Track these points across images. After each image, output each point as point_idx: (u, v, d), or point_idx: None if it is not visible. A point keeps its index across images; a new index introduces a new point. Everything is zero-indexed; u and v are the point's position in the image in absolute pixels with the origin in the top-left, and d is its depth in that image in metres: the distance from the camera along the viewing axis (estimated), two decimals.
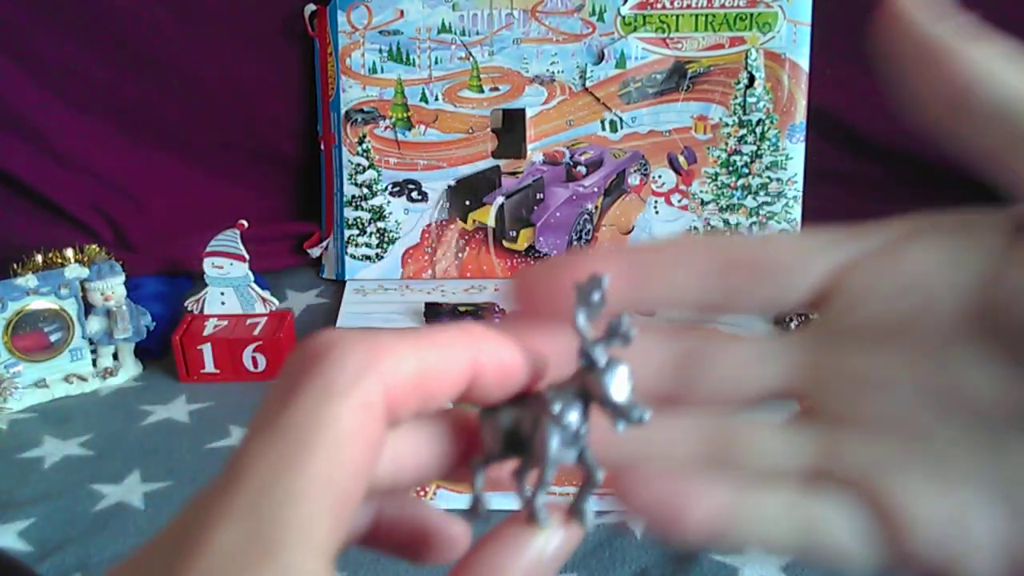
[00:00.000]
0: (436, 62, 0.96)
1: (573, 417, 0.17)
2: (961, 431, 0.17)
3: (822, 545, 0.18)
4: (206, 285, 0.88)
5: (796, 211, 0.92)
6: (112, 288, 0.83)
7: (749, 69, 0.93)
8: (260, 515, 0.13)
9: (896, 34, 0.18)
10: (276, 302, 0.90)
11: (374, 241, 0.99)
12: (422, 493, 0.62)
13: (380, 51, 0.96)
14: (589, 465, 0.18)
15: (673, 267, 0.19)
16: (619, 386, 0.17)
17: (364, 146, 0.98)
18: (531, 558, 0.17)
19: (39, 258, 0.85)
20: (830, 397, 0.19)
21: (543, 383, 0.18)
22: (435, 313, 0.88)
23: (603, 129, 0.96)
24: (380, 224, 0.99)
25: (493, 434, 0.18)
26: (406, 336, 0.16)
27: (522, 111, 0.96)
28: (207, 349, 0.83)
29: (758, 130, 0.94)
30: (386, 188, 0.98)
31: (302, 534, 0.13)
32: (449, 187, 0.98)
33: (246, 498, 0.14)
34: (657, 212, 0.96)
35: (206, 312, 0.88)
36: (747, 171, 0.94)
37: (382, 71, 0.97)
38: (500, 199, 0.97)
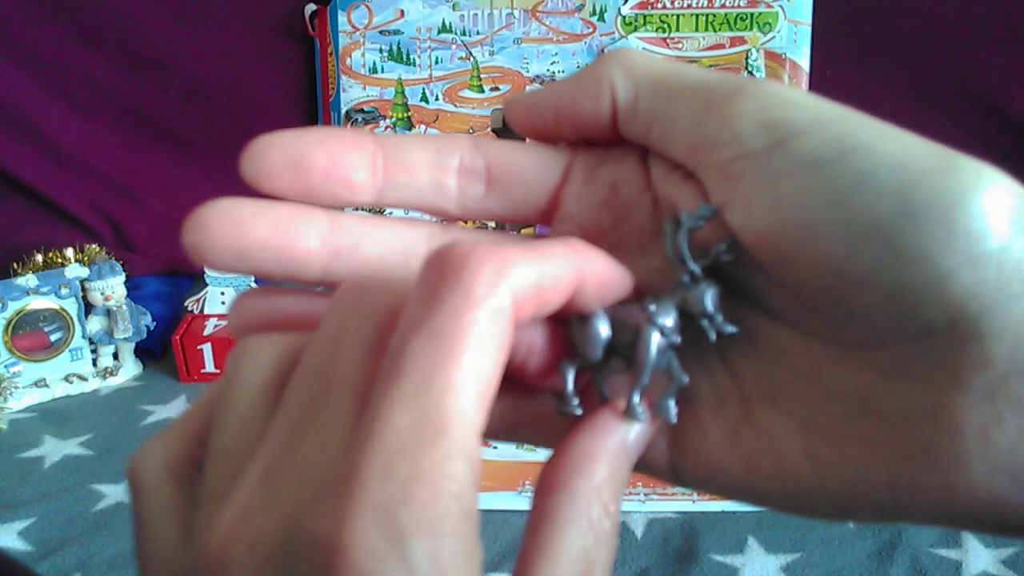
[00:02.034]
0: (436, 62, 0.96)
1: (671, 324, 0.20)
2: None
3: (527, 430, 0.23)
4: (206, 285, 0.88)
5: None
6: (112, 288, 0.83)
7: (749, 69, 0.93)
8: (426, 404, 0.15)
9: (533, 110, 0.23)
10: None
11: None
12: None
13: (380, 51, 0.96)
14: (675, 370, 0.20)
15: (426, 163, 0.22)
16: (714, 301, 0.20)
17: None
18: (616, 444, 0.20)
19: (39, 258, 0.85)
20: None
21: (632, 296, 0.21)
22: None
23: None
24: None
25: (588, 339, 0.20)
26: (525, 248, 0.18)
27: None
28: (207, 349, 0.83)
29: None
30: None
31: (462, 418, 0.15)
32: None
33: (412, 389, 0.15)
34: None
35: (206, 312, 0.88)
36: None
37: (382, 71, 0.97)
38: None
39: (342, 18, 0.96)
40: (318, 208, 0.21)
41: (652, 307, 0.20)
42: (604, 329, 0.20)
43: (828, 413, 0.19)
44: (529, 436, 0.23)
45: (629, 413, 0.20)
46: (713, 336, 0.20)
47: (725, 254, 0.20)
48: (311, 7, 0.98)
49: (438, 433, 0.15)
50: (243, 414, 0.19)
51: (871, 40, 0.95)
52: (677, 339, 0.20)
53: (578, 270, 0.19)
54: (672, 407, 0.21)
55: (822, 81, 0.93)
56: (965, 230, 0.17)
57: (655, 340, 0.20)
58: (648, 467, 0.22)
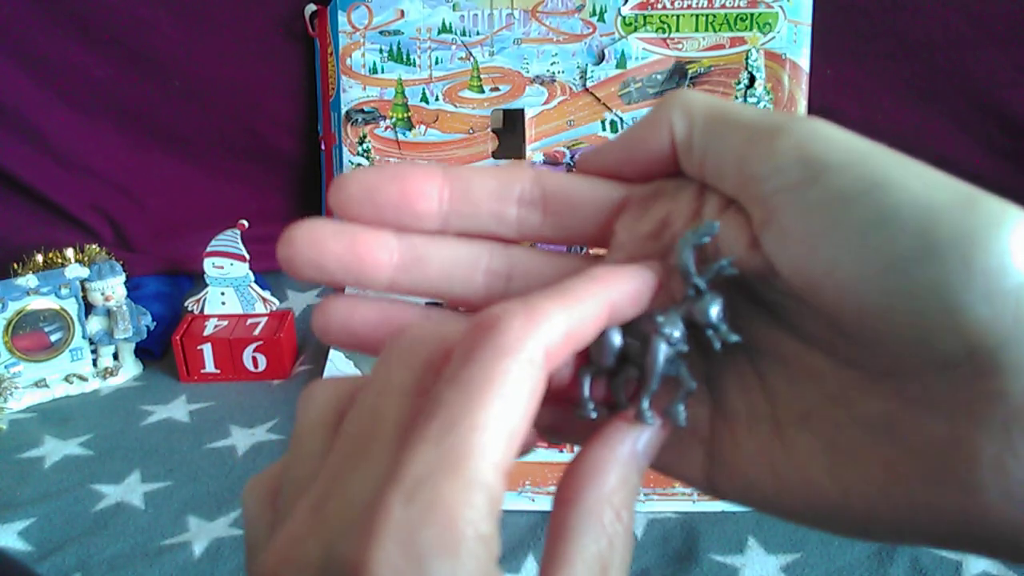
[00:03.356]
0: (436, 62, 0.96)
1: (678, 334, 0.21)
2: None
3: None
4: (206, 285, 0.88)
5: None
6: (112, 288, 0.83)
7: (749, 69, 0.93)
8: (451, 442, 0.17)
9: (605, 158, 0.25)
10: (276, 302, 0.90)
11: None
12: None
13: (380, 51, 0.96)
14: (684, 377, 0.22)
15: (489, 196, 0.24)
16: (719, 312, 0.21)
17: (364, 146, 0.98)
18: (625, 453, 0.21)
19: (39, 258, 0.85)
20: None
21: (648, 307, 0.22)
22: None
23: (604, 129, 0.96)
24: None
25: (602, 349, 0.22)
26: (555, 297, 0.19)
27: (522, 111, 0.96)
28: (207, 349, 0.83)
29: None
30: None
31: (483, 454, 0.17)
32: None
33: (438, 430, 0.17)
34: None
35: (206, 312, 0.88)
36: None
37: (382, 71, 0.97)
38: None
39: (342, 18, 0.96)
40: (389, 229, 0.24)
41: (660, 318, 0.22)
42: (616, 339, 0.22)
43: (854, 437, 0.20)
44: (570, 437, 0.25)
45: (639, 417, 0.21)
46: (718, 345, 0.21)
47: (727, 269, 0.21)
48: (311, 7, 0.98)
49: (460, 466, 0.16)
50: (307, 449, 0.21)
51: (871, 40, 0.94)
52: (685, 348, 0.22)
53: (607, 304, 0.20)
54: (682, 412, 0.22)
55: (822, 81, 0.93)
56: (984, 266, 0.17)
57: (663, 349, 0.21)
58: (686, 479, 0.24)
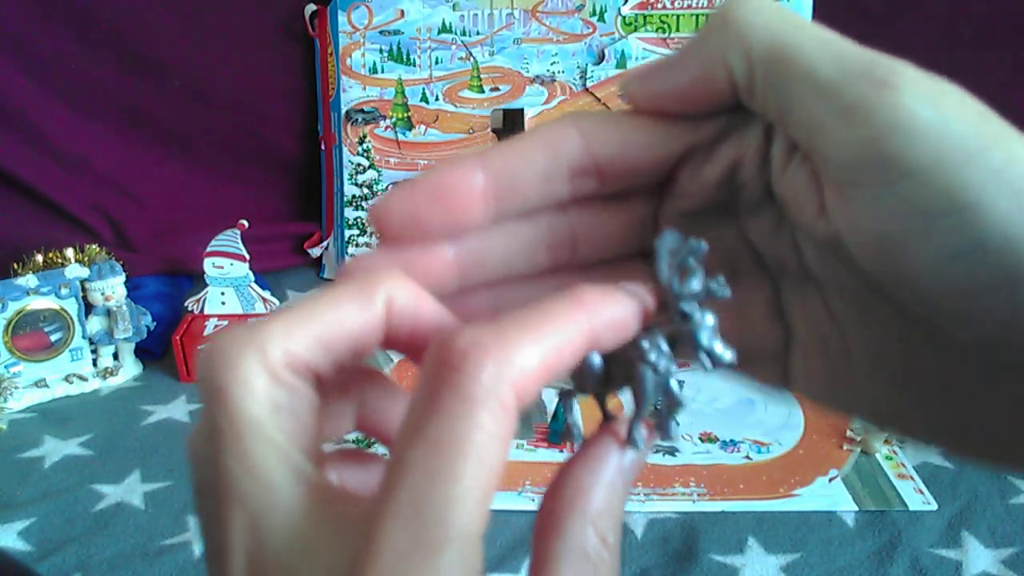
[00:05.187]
0: (436, 62, 0.96)
1: (664, 363, 0.20)
2: (758, 269, 0.23)
3: None
4: (206, 285, 0.88)
5: None
6: (112, 288, 0.83)
7: None
8: (425, 518, 0.16)
9: (650, 89, 0.22)
10: (277, 302, 0.90)
11: (374, 241, 0.99)
12: None
13: (380, 51, 0.96)
14: (674, 394, 0.21)
15: (537, 179, 0.22)
16: (709, 335, 0.20)
17: (364, 146, 0.98)
18: (611, 474, 0.20)
19: (39, 258, 0.85)
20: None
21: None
22: None
23: None
24: None
25: (583, 375, 0.21)
26: (528, 325, 0.18)
27: (522, 111, 0.96)
28: None
29: None
30: (386, 188, 0.98)
31: (462, 531, 0.16)
32: None
33: (411, 503, 0.16)
34: None
35: (206, 312, 0.88)
36: None
37: (382, 71, 0.97)
38: None
39: (342, 18, 0.96)
40: (441, 242, 0.22)
41: (645, 344, 0.20)
42: (597, 363, 0.21)
43: (921, 376, 0.20)
44: None
45: (630, 442, 0.21)
46: (710, 367, 0.20)
47: (720, 291, 0.20)
48: (311, 7, 0.98)
49: (436, 551, 0.15)
50: (201, 477, 0.19)
51: (871, 40, 0.94)
52: (673, 370, 0.20)
53: (587, 331, 0.19)
54: (675, 427, 0.21)
55: None
56: None
57: (650, 378, 0.20)
58: (764, 381, 0.24)
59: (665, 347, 0.20)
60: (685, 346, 0.20)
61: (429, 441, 0.16)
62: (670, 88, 0.21)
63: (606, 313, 0.19)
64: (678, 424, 0.21)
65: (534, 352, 0.17)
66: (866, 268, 0.19)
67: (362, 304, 0.20)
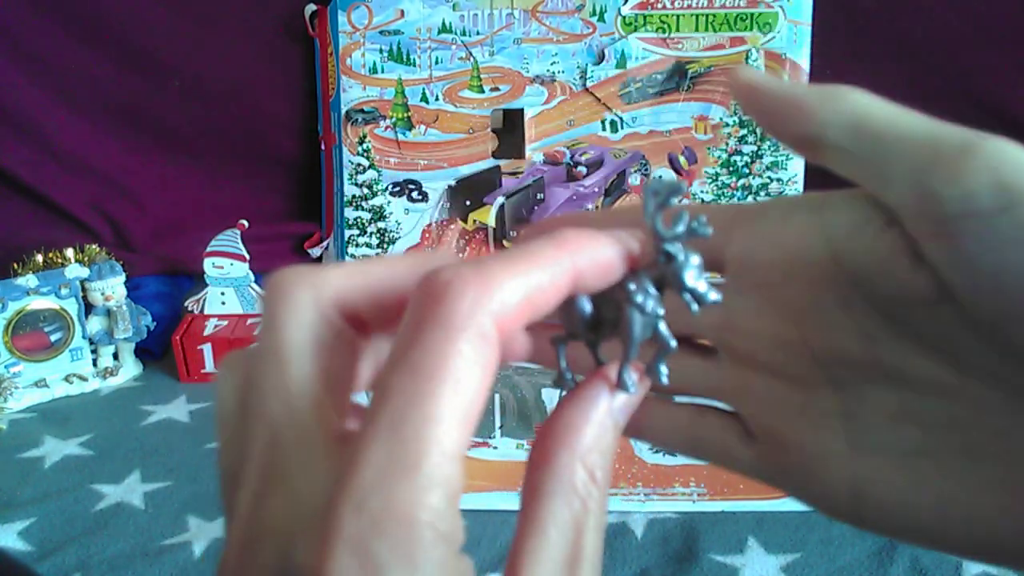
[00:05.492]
0: (436, 62, 0.96)
1: (651, 304, 0.21)
2: (821, 374, 0.22)
3: (704, 452, 0.25)
4: (206, 285, 0.88)
5: None
6: (112, 288, 0.83)
7: None
8: (403, 436, 0.16)
9: (754, 97, 0.23)
10: None
11: (374, 241, 0.99)
12: None
13: (380, 51, 0.96)
14: (663, 336, 0.21)
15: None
16: (694, 275, 0.20)
17: (364, 146, 0.98)
18: (600, 412, 0.20)
19: (39, 258, 0.85)
20: (728, 343, 0.24)
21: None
22: None
23: (603, 129, 0.96)
24: (380, 224, 0.99)
25: (572, 318, 0.21)
26: (511, 261, 0.18)
27: (522, 111, 0.96)
28: (207, 349, 0.83)
29: (759, 130, 0.94)
30: (386, 188, 0.98)
31: (439, 448, 0.16)
32: (449, 187, 0.98)
33: (390, 424, 0.16)
34: None
35: (206, 312, 0.88)
36: (748, 171, 0.94)
37: (382, 71, 0.97)
38: (500, 199, 0.97)
39: (342, 18, 0.96)
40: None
41: (632, 286, 0.21)
42: (587, 306, 0.21)
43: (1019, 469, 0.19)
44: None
45: (620, 385, 0.21)
46: (695, 308, 0.20)
47: (702, 229, 0.20)
48: (311, 7, 0.98)
49: (412, 466, 0.16)
50: (230, 434, 0.19)
51: (871, 40, 0.95)
52: (661, 312, 0.21)
53: (570, 269, 0.19)
54: (663, 371, 0.22)
55: (822, 81, 0.93)
56: None
57: (638, 320, 0.20)
58: (828, 512, 0.23)
59: (652, 289, 0.21)
60: (672, 288, 0.21)
61: (409, 367, 0.17)
62: (768, 101, 0.22)
63: (589, 253, 0.20)
64: (667, 367, 0.22)
65: (515, 286, 0.18)
66: (978, 312, 0.19)
67: (412, 267, 0.21)
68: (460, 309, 0.17)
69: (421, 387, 0.16)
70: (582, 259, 0.19)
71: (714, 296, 0.20)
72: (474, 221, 0.98)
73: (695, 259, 0.20)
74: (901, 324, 0.21)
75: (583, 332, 0.21)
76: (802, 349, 0.23)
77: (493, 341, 0.17)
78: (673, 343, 0.21)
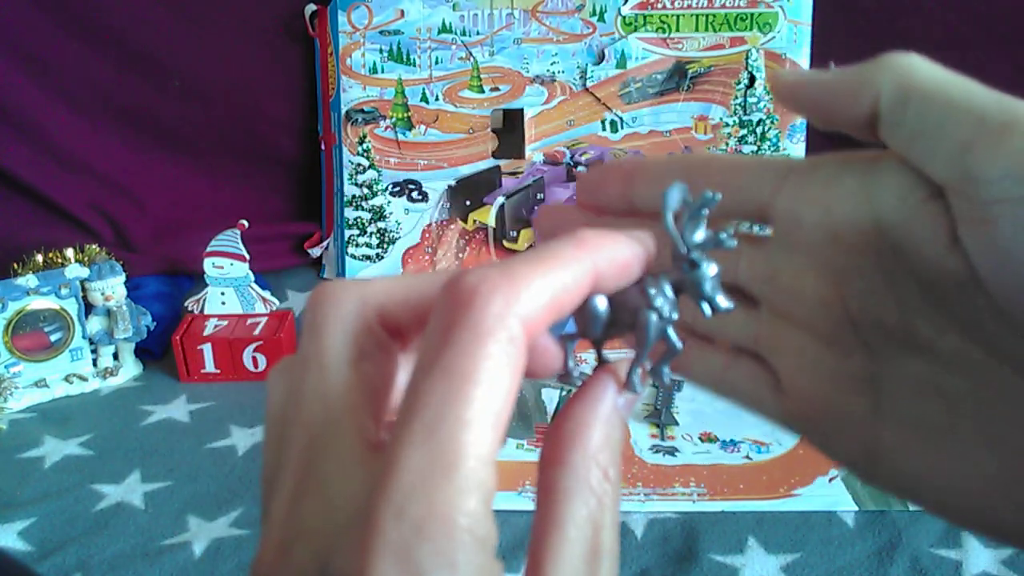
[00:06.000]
0: (436, 62, 0.96)
1: (668, 308, 0.21)
2: (856, 339, 0.23)
3: (734, 396, 0.26)
4: (206, 285, 0.88)
5: None
6: (112, 288, 0.83)
7: (749, 69, 0.93)
8: (439, 441, 0.16)
9: (802, 93, 0.23)
10: (276, 302, 0.90)
11: (374, 241, 0.99)
12: None
13: (380, 51, 0.96)
14: (671, 340, 0.21)
15: (657, 180, 0.24)
16: (713, 284, 0.21)
17: (364, 146, 0.98)
18: (607, 410, 0.21)
19: (39, 258, 0.85)
20: (769, 297, 0.25)
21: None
22: None
23: (603, 129, 0.96)
24: (380, 224, 0.99)
25: (588, 319, 0.21)
26: (535, 263, 0.18)
27: (522, 111, 0.96)
28: (207, 349, 0.83)
29: (758, 130, 0.94)
30: (386, 188, 0.98)
31: (474, 452, 0.16)
32: (449, 187, 0.98)
33: (424, 429, 0.16)
34: None
35: (206, 312, 0.88)
36: None
37: (382, 71, 0.97)
38: (500, 199, 0.97)
39: (342, 18, 0.96)
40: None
41: (651, 290, 0.21)
42: (603, 307, 0.21)
43: None
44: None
45: (629, 387, 0.21)
46: (709, 314, 0.21)
47: (728, 242, 0.21)
48: (311, 7, 0.98)
49: (450, 470, 0.16)
50: (274, 435, 0.20)
51: (871, 40, 0.94)
52: (675, 317, 0.21)
53: (592, 270, 0.19)
54: (667, 373, 0.22)
55: None
56: None
57: (654, 323, 0.21)
58: (843, 463, 0.24)
59: (670, 293, 0.21)
60: (689, 294, 0.21)
61: (441, 371, 0.17)
62: (815, 92, 0.22)
63: (609, 253, 0.20)
64: (671, 370, 0.22)
65: (541, 288, 0.18)
66: (1007, 304, 0.19)
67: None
68: (489, 312, 0.17)
69: (454, 391, 0.16)
70: (602, 259, 0.20)
71: (727, 305, 0.21)
72: (474, 221, 0.98)
73: (714, 268, 0.21)
74: (938, 298, 0.20)
75: (599, 332, 0.21)
76: (840, 311, 0.23)
77: (521, 344, 0.17)
78: (679, 346, 0.21)
